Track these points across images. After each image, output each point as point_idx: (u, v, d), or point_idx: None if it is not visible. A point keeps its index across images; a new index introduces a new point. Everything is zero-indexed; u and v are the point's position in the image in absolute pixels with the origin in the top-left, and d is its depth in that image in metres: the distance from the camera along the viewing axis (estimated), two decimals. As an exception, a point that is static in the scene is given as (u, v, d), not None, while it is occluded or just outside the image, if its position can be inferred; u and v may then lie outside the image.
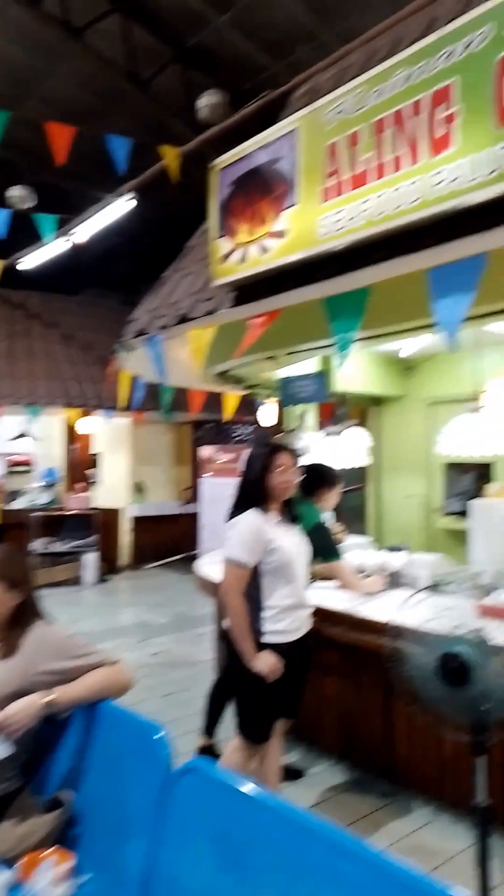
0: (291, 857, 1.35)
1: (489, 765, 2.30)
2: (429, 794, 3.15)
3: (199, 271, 3.73)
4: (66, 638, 2.10)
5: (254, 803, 1.49)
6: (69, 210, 7.49)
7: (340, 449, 3.67)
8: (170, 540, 11.04)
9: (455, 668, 2.28)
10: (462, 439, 3.26)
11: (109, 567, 9.69)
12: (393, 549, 4.14)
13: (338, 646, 3.35)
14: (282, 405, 4.36)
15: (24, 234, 6.98)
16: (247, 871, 1.44)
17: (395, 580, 3.92)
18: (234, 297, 3.17)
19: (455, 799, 2.99)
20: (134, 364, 4.84)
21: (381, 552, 4.02)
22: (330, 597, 3.40)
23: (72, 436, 10.32)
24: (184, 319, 3.53)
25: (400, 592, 3.71)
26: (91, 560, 9.00)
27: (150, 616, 7.18)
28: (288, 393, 4.04)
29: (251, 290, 3.15)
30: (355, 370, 5.72)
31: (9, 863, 1.80)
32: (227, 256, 3.22)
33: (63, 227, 7.12)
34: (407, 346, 5.66)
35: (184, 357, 5.01)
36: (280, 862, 1.38)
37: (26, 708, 1.88)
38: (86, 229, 7.25)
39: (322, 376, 3.86)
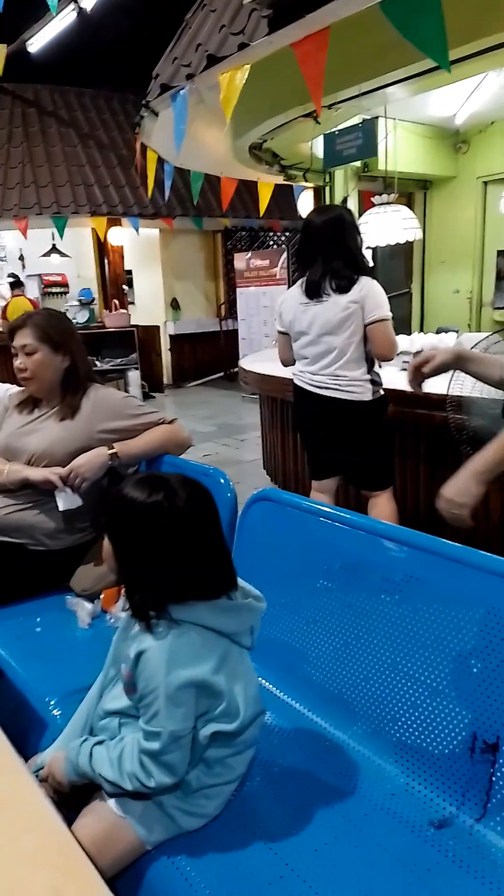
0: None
1: None
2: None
3: (227, 2, 3.17)
4: (122, 399, 2.10)
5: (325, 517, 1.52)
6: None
7: (391, 222, 3.39)
8: (209, 358, 11.02)
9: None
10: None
11: (152, 385, 9.80)
12: (442, 330, 3.98)
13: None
14: (325, 165, 3.96)
15: (27, 15, 6.22)
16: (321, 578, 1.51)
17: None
18: (270, 21, 2.71)
19: None
20: (158, 140, 4.43)
21: (429, 335, 3.87)
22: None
23: (102, 251, 9.95)
24: (213, 61, 3.09)
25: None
26: (134, 378, 9.06)
27: (197, 426, 7.34)
28: (332, 150, 3.61)
29: (289, 5, 2.61)
30: (401, 147, 5.19)
31: (90, 598, 1.96)
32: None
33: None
34: (462, 112, 5.06)
35: (212, 139, 4.58)
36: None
37: (92, 459, 1.93)
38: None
39: (370, 126, 3.43)
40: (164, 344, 10.59)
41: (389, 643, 1.34)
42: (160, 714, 1.04)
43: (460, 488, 1.41)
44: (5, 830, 0.76)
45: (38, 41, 7.65)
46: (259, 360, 4.57)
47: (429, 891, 1.03)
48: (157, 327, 10.21)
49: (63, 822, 0.78)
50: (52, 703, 1.52)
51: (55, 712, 1.49)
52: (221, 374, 10.99)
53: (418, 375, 1.70)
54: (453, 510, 1.41)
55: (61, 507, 1.92)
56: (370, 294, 2.65)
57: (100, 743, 1.16)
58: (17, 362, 2.00)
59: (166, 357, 10.68)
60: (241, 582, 1.19)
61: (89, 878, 0.69)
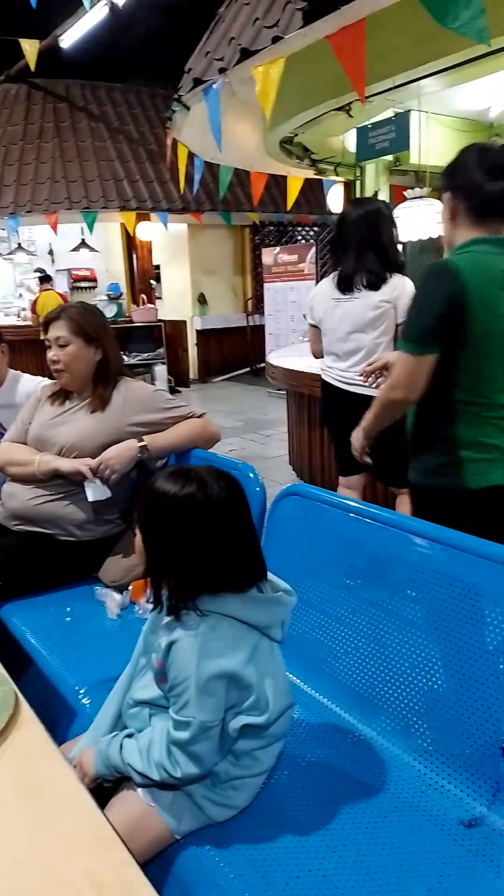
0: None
1: None
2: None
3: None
4: (152, 392, 2.11)
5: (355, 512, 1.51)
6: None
7: (425, 216, 3.35)
8: (235, 353, 11.03)
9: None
10: None
11: (178, 380, 9.84)
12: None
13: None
14: (358, 159, 3.92)
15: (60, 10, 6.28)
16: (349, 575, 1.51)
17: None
18: (304, 14, 2.69)
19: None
20: (190, 135, 4.42)
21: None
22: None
23: (131, 246, 10.01)
24: (246, 54, 3.08)
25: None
26: (161, 372, 9.11)
27: (223, 421, 7.36)
28: (365, 144, 3.58)
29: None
30: (433, 141, 5.11)
31: (119, 589, 1.97)
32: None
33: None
34: (497, 104, 4.98)
35: (243, 133, 4.56)
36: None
37: (122, 452, 1.94)
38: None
39: (403, 119, 3.38)
40: (191, 339, 10.63)
41: (418, 640, 1.33)
42: (190, 704, 1.05)
43: (356, 438, 1.99)
44: (42, 816, 0.77)
45: (69, 37, 7.70)
46: (287, 355, 4.56)
47: (459, 889, 1.02)
48: (184, 322, 10.25)
49: (98, 808, 0.79)
50: (81, 691, 1.53)
51: (84, 701, 1.51)
52: (248, 369, 10.99)
53: (364, 374, 2.25)
54: (354, 452, 2.04)
55: (90, 499, 1.93)
56: (403, 294, 2.62)
57: (130, 736, 1.17)
58: (51, 354, 2.02)
59: (193, 352, 10.71)
60: (271, 576, 1.19)
61: (125, 862, 0.70)
